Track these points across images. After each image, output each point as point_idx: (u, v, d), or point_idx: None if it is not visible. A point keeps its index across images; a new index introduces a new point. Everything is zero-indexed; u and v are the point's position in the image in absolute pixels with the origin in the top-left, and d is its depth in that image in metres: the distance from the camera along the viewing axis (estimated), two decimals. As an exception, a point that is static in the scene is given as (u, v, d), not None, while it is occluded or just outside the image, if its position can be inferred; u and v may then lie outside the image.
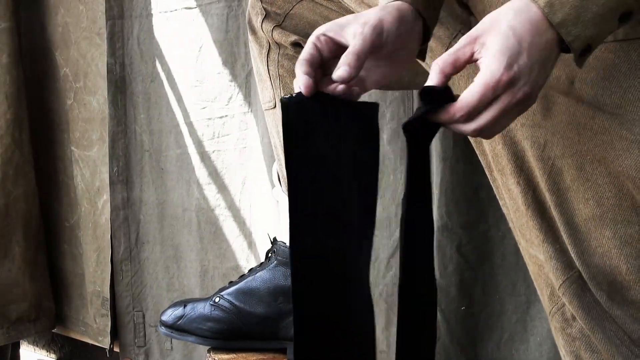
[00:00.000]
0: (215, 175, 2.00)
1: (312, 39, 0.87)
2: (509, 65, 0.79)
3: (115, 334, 2.19)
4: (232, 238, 2.00)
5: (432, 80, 0.82)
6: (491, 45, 0.80)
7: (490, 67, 0.80)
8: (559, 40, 0.81)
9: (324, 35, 0.87)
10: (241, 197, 1.98)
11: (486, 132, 0.84)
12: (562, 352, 1.03)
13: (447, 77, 0.83)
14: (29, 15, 2.30)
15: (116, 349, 2.21)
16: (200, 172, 2.02)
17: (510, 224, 1.08)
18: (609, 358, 0.96)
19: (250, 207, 1.97)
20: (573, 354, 1.00)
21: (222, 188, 2.00)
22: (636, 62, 0.88)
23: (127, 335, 2.18)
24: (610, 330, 0.96)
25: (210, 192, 2.01)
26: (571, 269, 0.98)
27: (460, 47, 0.82)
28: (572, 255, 0.97)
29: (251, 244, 1.97)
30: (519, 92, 0.80)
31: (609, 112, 0.91)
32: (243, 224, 1.98)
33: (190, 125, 2.02)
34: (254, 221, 1.96)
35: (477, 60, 0.82)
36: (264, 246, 1.90)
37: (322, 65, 0.87)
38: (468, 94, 0.80)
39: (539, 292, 1.06)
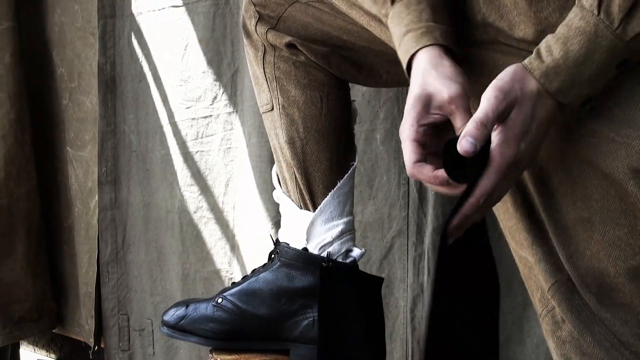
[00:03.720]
0: (198, 176, 1.98)
1: (410, 137, 0.90)
2: (518, 147, 0.87)
3: (100, 336, 2.18)
4: (214, 241, 1.98)
5: (476, 136, 0.86)
6: (514, 127, 0.86)
7: (505, 154, 0.86)
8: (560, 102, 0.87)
9: (420, 126, 0.91)
10: (224, 198, 1.96)
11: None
12: (554, 355, 1.04)
13: (488, 133, 0.87)
14: (28, 15, 2.29)
15: (102, 347, 2.21)
16: (183, 174, 2.00)
17: (501, 225, 1.08)
18: None
19: (233, 208, 1.95)
20: (564, 356, 1.01)
21: (205, 190, 1.98)
22: None
23: (112, 339, 2.16)
24: (599, 333, 0.96)
25: (193, 193, 1.99)
26: (560, 272, 0.98)
27: (499, 109, 0.86)
28: (561, 257, 0.97)
29: (234, 247, 1.96)
30: (523, 164, 0.89)
31: (596, 114, 0.91)
32: (226, 226, 1.96)
33: (174, 125, 2.00)
34: (237, 223, 1.95)
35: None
36: (247, 249, 1.89)
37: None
38: (486, 182, 0.87)
39: (530, 293, 1.07)
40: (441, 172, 0.88)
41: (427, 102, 0.91)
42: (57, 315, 2.35)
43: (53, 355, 2.58)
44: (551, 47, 0.86)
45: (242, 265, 1.91)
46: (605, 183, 0.91)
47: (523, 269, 1.06)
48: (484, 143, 0.86)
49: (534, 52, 0.87)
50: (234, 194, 1.95)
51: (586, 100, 0.88)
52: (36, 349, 2.62)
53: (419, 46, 0.94)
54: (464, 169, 0.87)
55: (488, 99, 0.86)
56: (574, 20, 0.85)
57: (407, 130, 0.91)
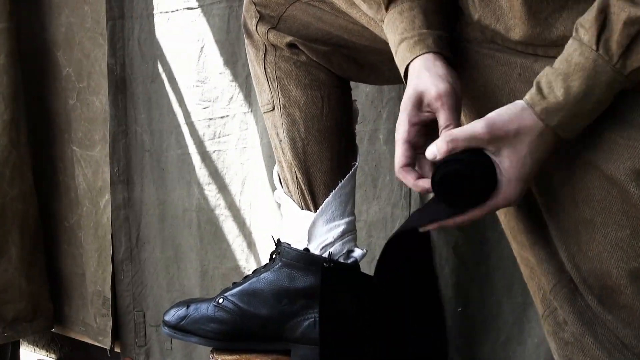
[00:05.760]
0: (215, 175, 2.01)
1: (402, 138, 0.95)
2: (519, 188, 0.90)
3: (116, 333, 2.20)
4: (232, 238, 2.00)
5: (441, 148, 0.89)
6: (511, 170, 0.89)
7: (507, 195, 0.90)
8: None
9: (412, 125, 0.95)
10: (241, 197, 1.98)
11: None
12: (555, 356, 1.03)
13: (451, 151, 0.89)
14: (29, 16, 2.30)
15: (117, 349, 2.22)
16: (201, 172, 2.02)
17: (503, 226, 1.07)
18: None
19: (250, 207, 1.97)
20: (566, 358, 1.00)
21: (223, 188, 2.00)
22: None
23: (128, 335, 2.19)
24: (602, 335, 0.95)
25: (211, 192, 2.01)
26: (562, 273, 0.97)
27: (476, 135, 0.88)
28: (563, 258, 0.97)
29: (251, 244, 1.97)
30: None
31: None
32: (243, 224, 1.98)
33: (191, 125, 2.02)
34: (253, 221, 1.96)
35: None
36: (263, 246, 1.91)
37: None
38: (477, 212, 0.92)
39: (532, 294, 1.06)
40: (421, 182, 0.93)
41: (419, 101, 0.95)
42: (56, 315, 2.37)
43: (53, 355, 2.59)
44: (552, 84, 0.86)
45: (259, 263, 1.93)
46: (607, 184, 0.91)
47: (525, 270, 1.05)
48: (473, 167, 0.89)
49: (534, 86, 0.88)
50: (250, 193, 1.96)
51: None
52: (36, 349, 2.63)
53: (413, 56, 0.97)
54: (455, 192, 0.91)
55: (474, 125, 0.88)
56: (573, 55, 0.85)
57: (399, 131, 0.96)
